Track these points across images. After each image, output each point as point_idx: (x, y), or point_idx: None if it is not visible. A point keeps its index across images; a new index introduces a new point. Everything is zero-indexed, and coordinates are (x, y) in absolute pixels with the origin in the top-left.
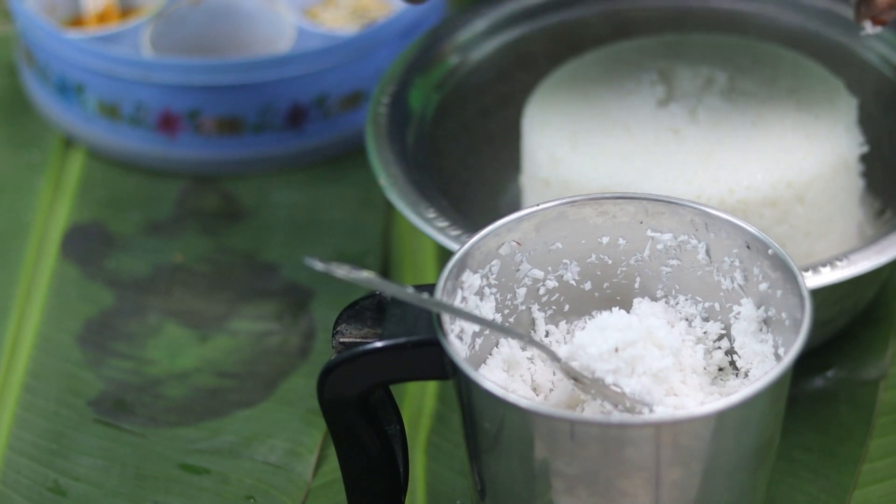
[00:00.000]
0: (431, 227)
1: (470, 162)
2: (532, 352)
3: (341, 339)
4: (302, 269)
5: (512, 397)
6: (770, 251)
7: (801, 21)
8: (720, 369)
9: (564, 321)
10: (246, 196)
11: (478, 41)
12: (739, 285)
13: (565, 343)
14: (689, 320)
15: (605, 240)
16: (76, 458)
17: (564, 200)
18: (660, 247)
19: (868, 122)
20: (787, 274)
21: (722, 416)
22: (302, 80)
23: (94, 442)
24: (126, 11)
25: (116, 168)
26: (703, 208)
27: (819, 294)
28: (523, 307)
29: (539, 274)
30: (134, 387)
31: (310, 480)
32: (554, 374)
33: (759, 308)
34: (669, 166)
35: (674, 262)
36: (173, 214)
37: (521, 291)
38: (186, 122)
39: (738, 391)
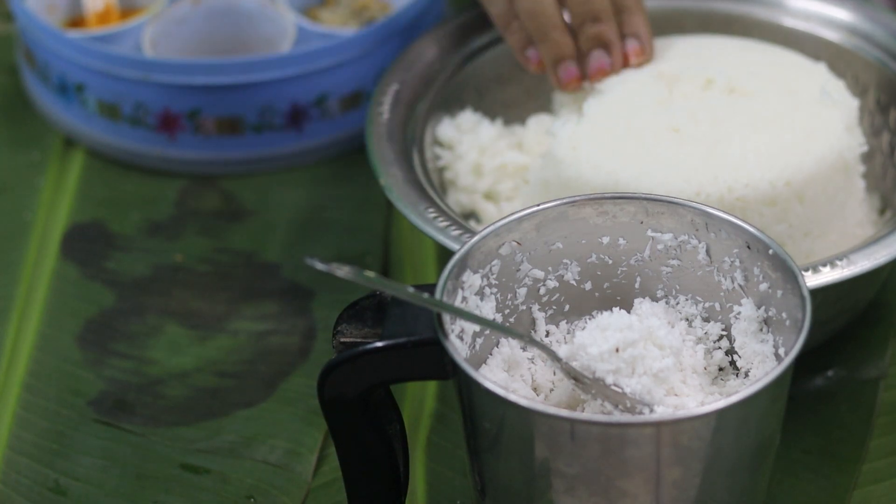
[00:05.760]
0: (431, 227)
1: None
2: (532, 352)
3: (341, 339)
4: (302, 269)
5: (512, 397)
6: (770, 251)
7: (802, 22)
8: (720, 369)
9: (565, 321)
10: (246, 196)
11: (478, 41)
12: (740, 285)
13: (566, 343)
14: (689, 320)
15: (605, 240)
16: (76, 458)
17: (564, 200)
18: (660, 247)
19: (868, 122)
20: (787, 274)
21: (722, 416)
22: (302, 80)
23: (94, 442)
24: (126, 11)
25: (116, 168)
26: (703, 208)
27: (819, 294)
28: (524, 307)
29: (539, 274)
30: (134, 387)
31: (310, 480)
32: (554, 374)
33: (759, 308)
34: (669, 165)
35: (674, 262)
36: (173, 214)
37: (522, 291)
38: (186, 122)
39: (739, 391)
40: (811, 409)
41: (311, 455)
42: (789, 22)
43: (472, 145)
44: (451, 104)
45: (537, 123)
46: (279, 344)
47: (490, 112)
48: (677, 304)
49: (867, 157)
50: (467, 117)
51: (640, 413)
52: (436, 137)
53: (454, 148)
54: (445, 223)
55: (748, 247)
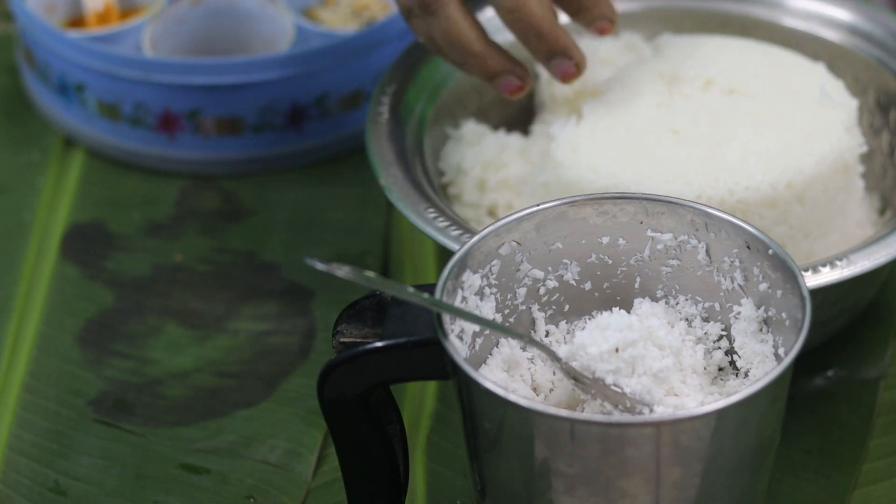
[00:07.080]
0: (431, 227)
1: None
2: (532, 352)
3: (341, 339)
4: (302, 269)
5: (512, 397)
6: (770, 251)
7: (802, 22)
8: (720, 369)
9: (564, 321)
10: (246, 196)
11: None
12: (739, 285)
13: (565, 343)
14: (689, 320)
15: (605, 240)
16: (76, 458)
17: (564, 200)
18: (660, 247)
19: (868, 122)
20: (787, 274)
21: (722, 416)
22: (302, 80)
23: (94, 442)
24: (126, 11)
25: (116, 168)
26: (703, 208)
27: (819, 294)
28: (523, 307)
29: (539, 274)
30: (134, 387)
31: (310, 480)
32: (554, 374)
33: (759, 308)
34: (669, 166)
35: (674, 262)
36: (173, 214)
37: (522, 291)
38: (186, 122)
39: (738, 391)
40: (811, 409)
41: (311, 455)
42: (789, 22)
43: (476, 160)
44: (451, 104)
45: (538, 130)
46: (279, 344)
47: (490, 111)
48: (677, 304)
49: (867, 157)
50: (470, 128)
51: (640, 413)
52: (440, 158)
53: (458, 164)
54: (445, 223)
55: (748, 247)
